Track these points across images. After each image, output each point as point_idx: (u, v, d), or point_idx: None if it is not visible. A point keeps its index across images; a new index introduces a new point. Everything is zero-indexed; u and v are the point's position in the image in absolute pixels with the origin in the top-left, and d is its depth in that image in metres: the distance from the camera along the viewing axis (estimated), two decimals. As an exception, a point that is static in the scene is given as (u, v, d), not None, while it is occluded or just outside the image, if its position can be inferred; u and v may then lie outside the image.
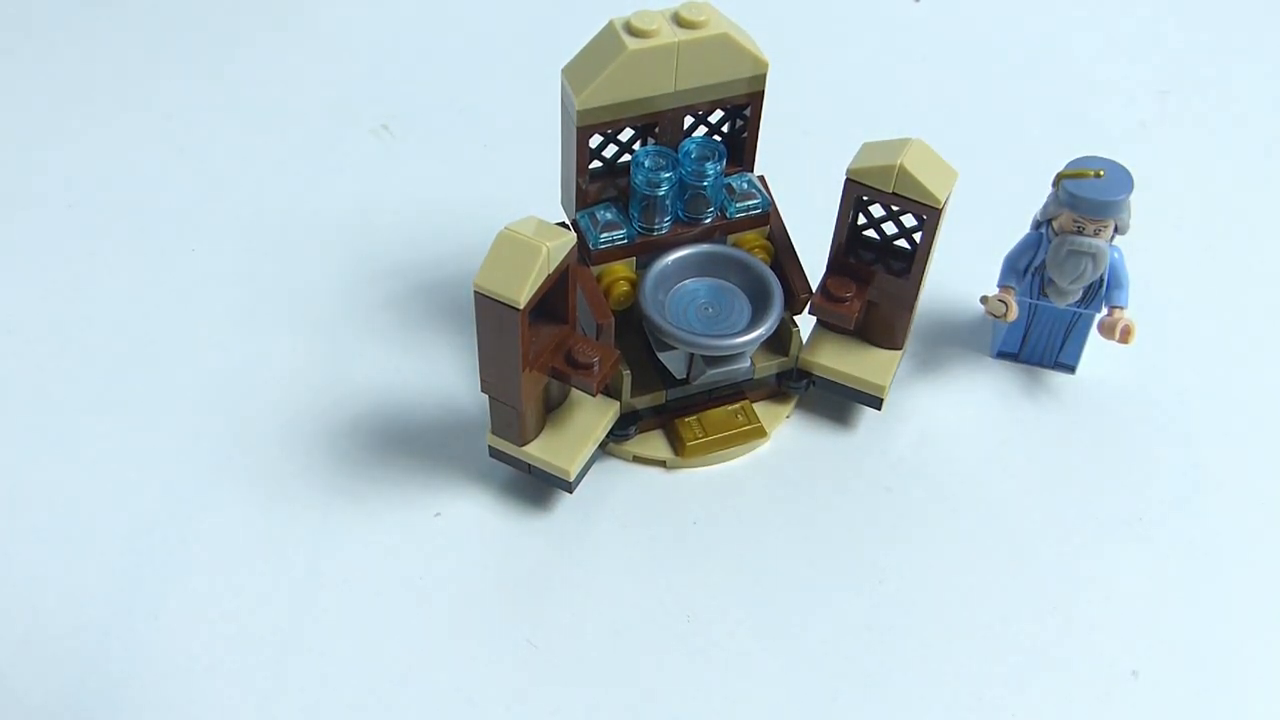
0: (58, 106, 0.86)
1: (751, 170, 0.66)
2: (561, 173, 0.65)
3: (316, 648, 0.59)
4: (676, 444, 0.66)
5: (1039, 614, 0.61)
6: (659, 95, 0.61)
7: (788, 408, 0.69)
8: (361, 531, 0.63)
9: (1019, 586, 0.62)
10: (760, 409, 0.68)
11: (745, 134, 0.65)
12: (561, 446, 0.62)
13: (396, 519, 0.64)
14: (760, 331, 0.62)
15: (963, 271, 0.73)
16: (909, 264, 0.64)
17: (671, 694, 0.58)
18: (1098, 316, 0.68)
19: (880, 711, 0.58)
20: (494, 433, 0.62)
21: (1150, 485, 0.66)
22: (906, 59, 0.93)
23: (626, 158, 0.65)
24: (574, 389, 0.63)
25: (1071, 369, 0.71)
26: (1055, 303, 0.68)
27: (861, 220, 0.65)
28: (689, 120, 0.64)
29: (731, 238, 0.66)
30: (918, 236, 0.63)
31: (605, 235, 0.63)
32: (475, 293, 0.55)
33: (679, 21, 0.59)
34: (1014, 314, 0.67)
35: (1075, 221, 0.64)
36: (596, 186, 0.64)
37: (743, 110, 0.64)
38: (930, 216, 0.61)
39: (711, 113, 0.64)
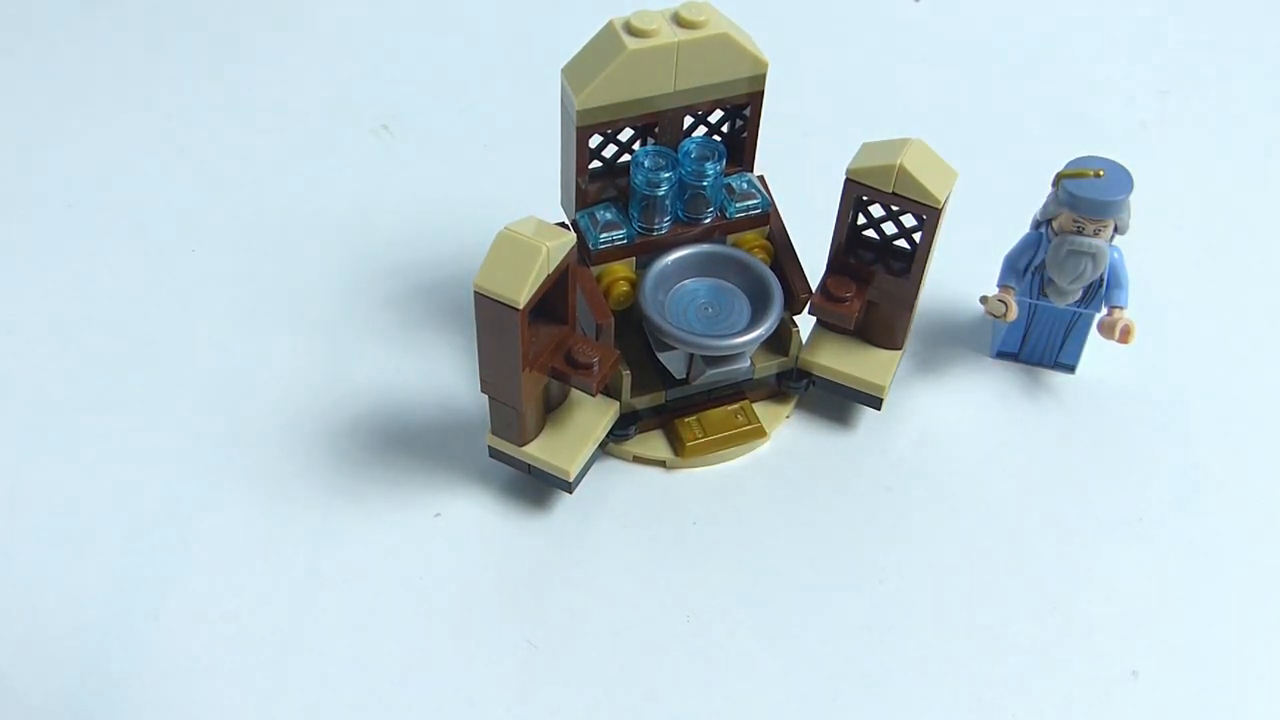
0: (58, 106, 0.86)
1: (751, 170, 0.66)
2: (561, 173, 0.65)
3: (316, 648, 0.59)
4: (676, 444, 0.66)
5: (1039, 614, 0.61)
6: (659, 95, 0.61)
7: (788, 408, 0.69)
8: (361, 531, 0.63)
9: (1019, 586, 0.62)
10: (760, 409, 0.68)
11: (745, 134, 0.65)
12: (561, 446, 0.62)
13: (396, 519, 0.64)
14: (760, 331, 0.62)
15: (963, 271, 0.73)
16: (909, 264, 0.64)
17: (671, 694, 0.58)
18: (1098, 316, 0.68)
19: (880, 711, 0.58)
20: (494, 433, 0.62)
21: (1150, 485, 0.66)
22: (906, 59, 0.93)
23: (626, 158, 0.65)
24: (574, 389, 0.63)
25: (1071, 369, 0.71)
26: (1055, 303, 0.68)
27: (861, 220, 0.65)
28: (689, 120, 0.64)
29: (731, 238, 0.66)
30: (917, 236, 0.63)
31: (605, 235, 0.63)
32: (475, 293, 0.55)
33: (679, 21, 0.59)
34: (1014, 314, 0.67)
35: (1075, 221, 0.64)
36: (596, 186, 0.64)
37: (742, 110, 0.64)
38: (930, 216, 0.61)
39: (711, 113, 0.64)
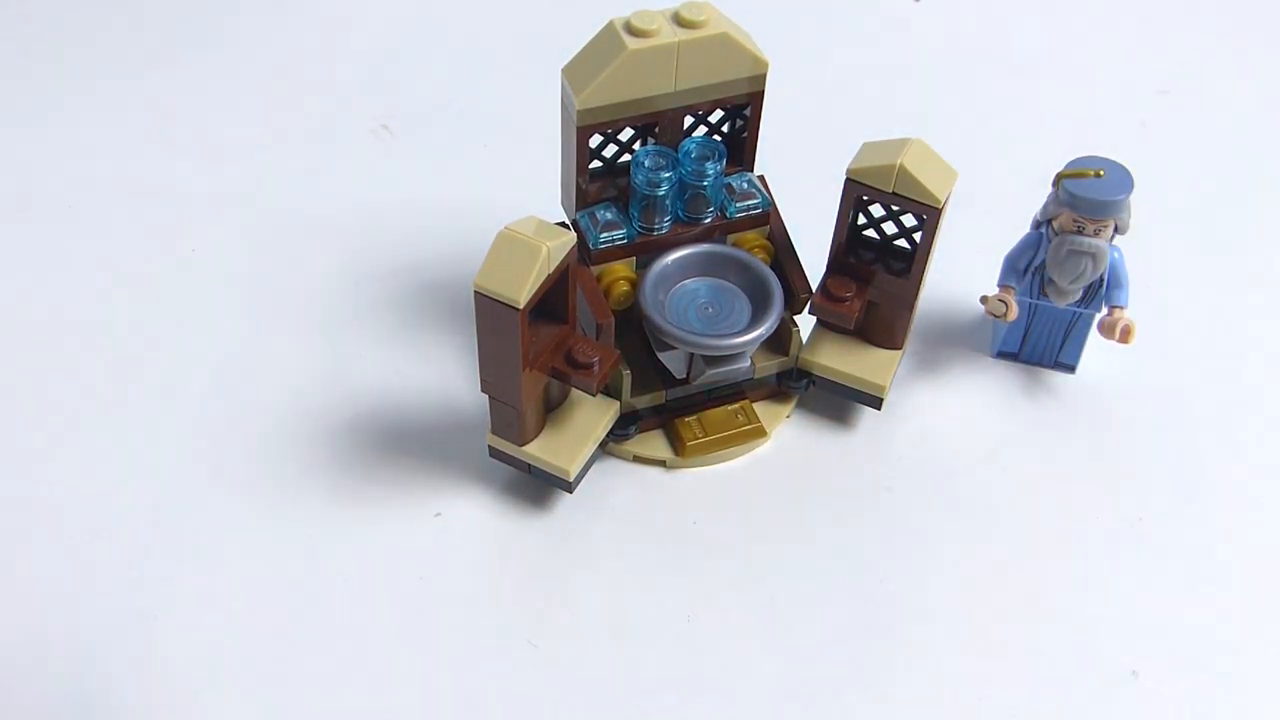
0: (58, 106, 0.86)
1: (751, 170, 0.66)
2: (561, 173, 0.65)
3: (316, 648, 0.59)
4: (676, 444, 0.66)
5: (1039, 614, 0.61)
6: (659, 95, 0.61)
7: (788, 408, 0.69)
8: (361, 531, 0.63)
9: (1019, 586, 0.62)
10: (760, 409, 0.68)
11: (745, 134, 0.65)
12: (561, 446, 0.62)
13: (396, 519, 0.64)
14: (760, 331, 0.62)
15: (963, 271, 0.73)
16: (909, 264, 0.64)
17: (671, 694, 0.58)
18: (1098, 316, 0.67)
19: (880, 711, 0.58)
20: (494, 433, 0.62)
21: (1150, 485, 0.66)
22: (906, 59, 0.93)
23: (626, 158, 0.65)
24: (574, 389, 0.63)
25: (1071, 369, 0.71)
26: (1055, 302, 0.68)
27: (861, 220, 0.65)
28: (689, 120, 0.64)
29: (731, 238, 0.66)
30: (918, 236, 0.63)
31: (605, 235, 0.63)
32: (475, 293, 0.55)
33: (679, 21, 0.59)
34: (1014, 314, 0.67)
35: (1075, 221, 0.64)
36: (596, 186, 0.64)
37: (743, 110, 0.64)
38: (930, 216, 0.61)
39: (711, 112, 0.64)
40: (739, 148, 0.65)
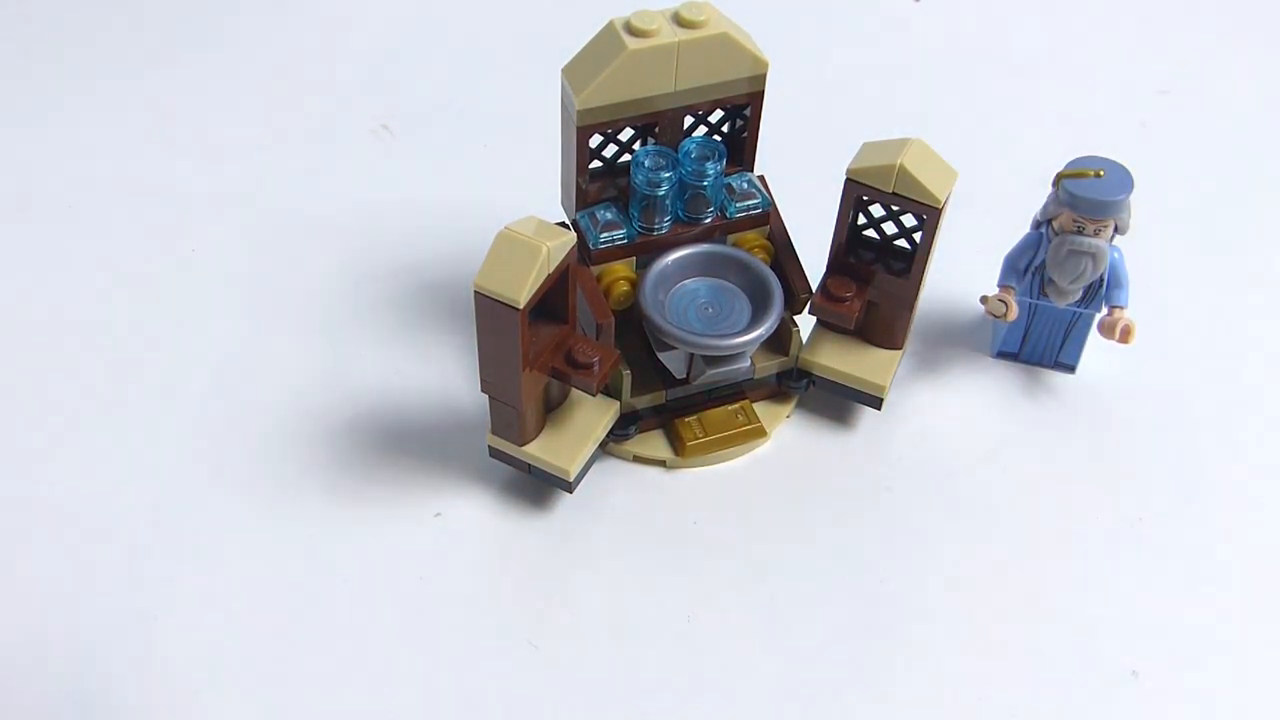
0: (58, 106, 0.86)
1: (751, 170, 0.66)
2: (561, 173, 0.65)
3: (316, 647, 0.59)
4: (676, 444, 0.66)
5: (1039, 614, 0.61)
6: (659, 95, 0.61)
7: (788, 408, 0.69)
8: (361, 531, 0.63)
9: (1019, 586, 0.62)
10: (760, 409, 0.68)
11: (745, 134, 0.65)
12: (561, 446, 0.62)
13: (396, 519, 0.64)
14: (760, 331, 0.62)
15: (963, 271, 0.73)
16: (909, 264, 0.64)
17: (671, 694, 0.58)
18: (1098, 316, 0.67)
19: (880, 711, 0.58)
20: (494, 433, 0.62)
21: (1150, 485, 0.66)
22: (907, 59, 0.93)
23: (626, 158, 0.65)
24: (574, 389, 0.63)
25: (1071, 369, 0.71)
26: (1055, 302, 0.68)
27: (861, 220, 0.65)
28: (689, 120, 0.64)
29: (731, 238, 0.66)
30: (918, 236, 0.63)
31: (605, 235, 0.63)
32: (475, 293, 0.55)
33: (679, 21, 0.59)
34: (1014, 314, 0.67)
35: (1075, 221, 0.64)
36: (596, 186, 0.64)
37: (743, 110, 0.64)
38: (930, 216, 0.61)
39: (711, 112, 0.64)
40: (739, 148, 0.65)
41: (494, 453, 0.63)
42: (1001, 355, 0.72)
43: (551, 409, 0.63)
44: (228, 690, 0.57)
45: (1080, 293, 0.67)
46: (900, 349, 0.67)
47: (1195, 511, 0.65)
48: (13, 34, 0.92)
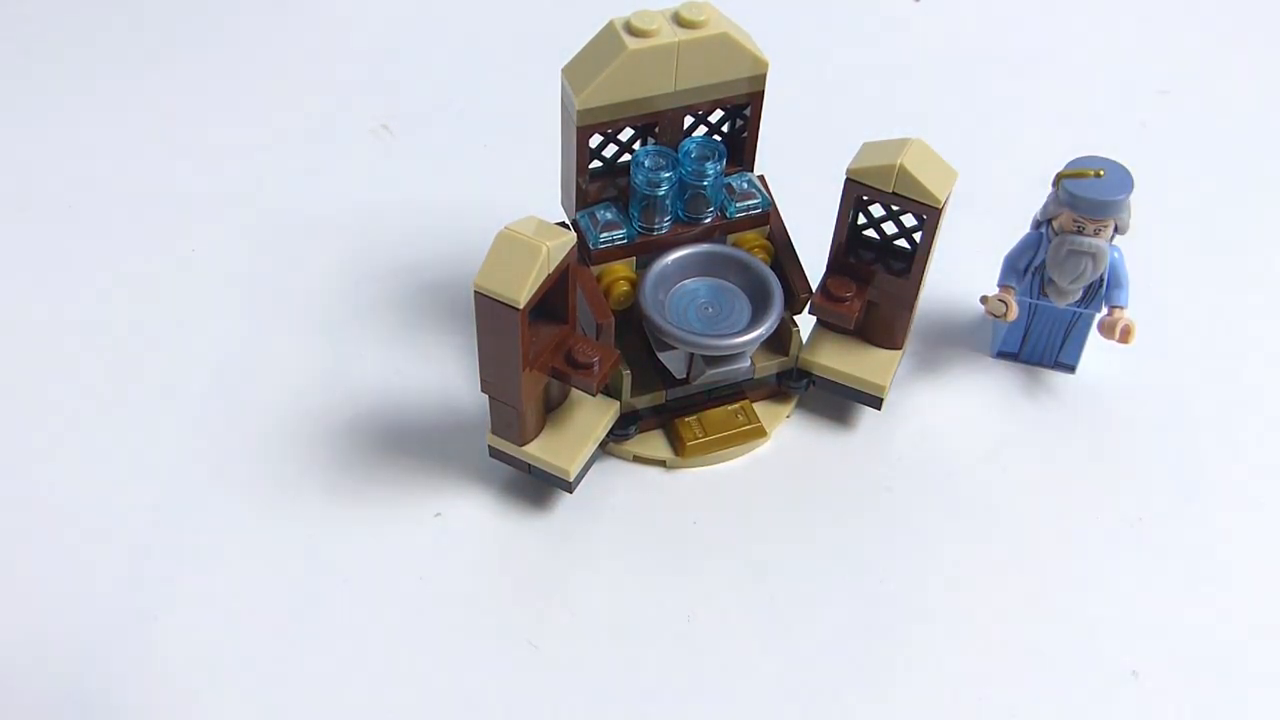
0: (58, 106, 0.86)
1: (751, 170, 0.66)
2: (561, 173, 0.65)
3: (316, 648, 0.59)
4: (676, 444, 0.66)
5: (1039, 614, 0.61)
6: (659, 95, 0.61)
7: (788, 408, 0.69)
8: (361, 531, 0.63)
9: (1019, 586, 0.62)
10: (760, 409, 0.68)
11: (745, 134, 0.65)
12: (561, 446, 0.62)
13: (396, 519, 0.64)
14: (760, 331, 0.62)
15: (963, 271, 0.73)
16: (909, 264, 0.64)
17: (671, 694, 0.58)
18: (1098, 316, 0.67)
19: (880, 711, 0.58)
20: (494, 433, 0.62)
21: (1150, 485, 0.66)
22: (907, 59, 0.93)
23: (626, 158, 0.65)
24: (574, 389, 0.63)
25: (1071, 369, 0.71)
26: (1055, 302, 0.68)
27: (861, 220, 0.65)
28: (689, 120, 0.64)
29: (731, 237, 0.66)
30: (918, 236, 0.63)
31: (605, 235, 0.63)
32: (475, 293, 0.55)
33: (679, 21, 0.59)
34: (1014, 314, 0.67)
35: (1075, 221, 0.64)
36: (596, 186, 0.64)
37: (743, 110, 0.64)
38: (930, 216, 0.61)
39: (711, 112, 0.64)
40: (739, 148, 0.65)
41: (494, 453, 0.63)
42: (1001, 355, 0.72)
43: (551, 409, 0.63)
44: (228, 690, 0.57)
45: (1080, 293, 0.67)
46: (900, 349, 0.67)
47: (1195, 511, 0.65)
48: (13, 34, 0.92)
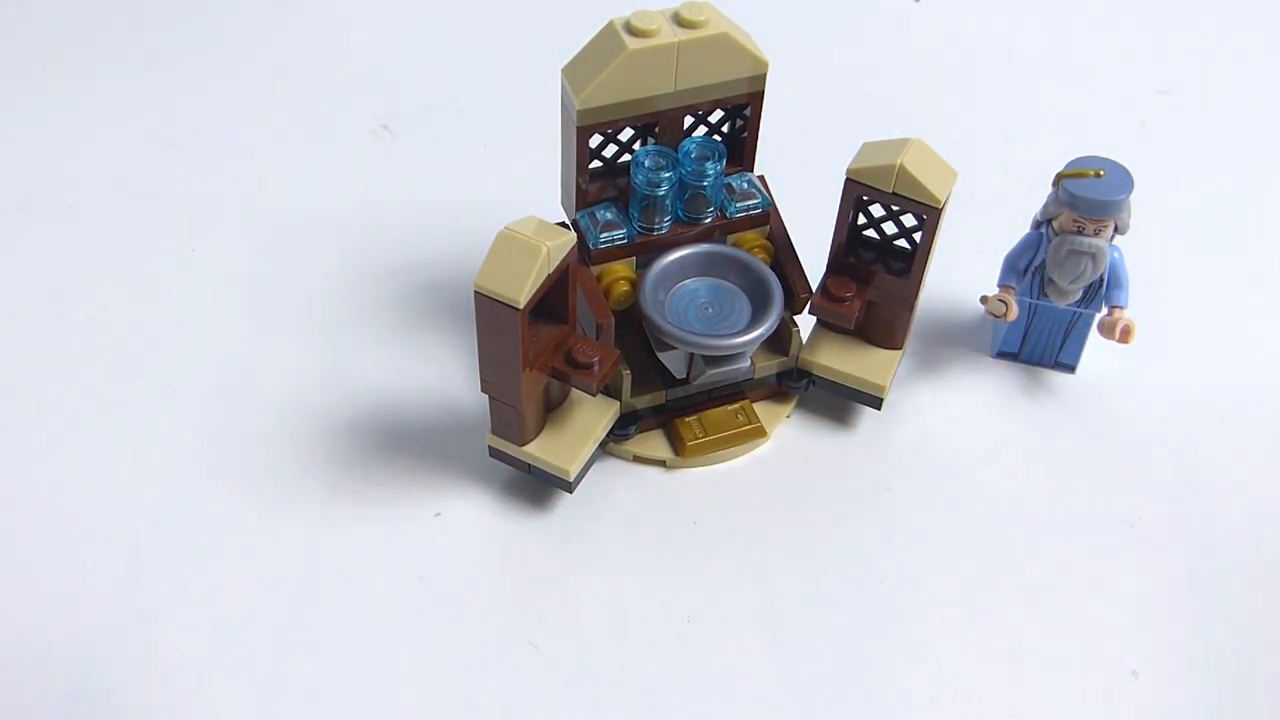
0: (58, 106, 0.86)
1: (751, 170, 0.66)
2: (561, 173, 0.65)
3: (316, 648, 0.59)
4: (676, 444, 0.66)
5: (1039, 614, 0.61)
6: (659, 95, 0.61)
7: (788, 408, 0.69)
8: (361, 531, 0.63)
9: (1019, 587, 0.62)
10: (760, 409, 0.68)
11: (745, 134, 0.65)
12: (561, 446, 0.62)
13: (396, 519, 0.64)
14: (760, 331, 0.62)
15: (963, 271, 0.73)
16: (909, 264, 0.64)
17: (671, 694, 0.58)
18: (1098, 316, 0.68)
19: (880, 711, 0.58)
20: (494, 433, 0.62)
21: (1150, 485, 0.66)
22: (907, 59, 0.93)
23: (626, 158, 0.65)
24: (574, 389, 0.63)
25: (1071, 369, 0.71)
26: (1055, 302, 0.68)
27: (861, 220, 0.65)
28: (689, 120, 0.64)
29: (731, 238, 0.66)
30: (918, 236, 0.63)
31: (605, 235, 0.63)
32: (475, 293, 0.55)
33: (679, 21, 0.59)
34: (1014, 314, 0.67)
35: (1075, 221, 0.64)
36: (596, 186, 0.64)
37: (743, 110, 0.64)
38: (930, 216, 0.61)
39: (711, 112, 0.64)
40: (739, 148, 0.65)
41: (494, 453, 0.63)
42: (1001, 355, 0.72)
43: (551, 409, 0.63)
44: (228, 690, 0.57)
45: (1080, 293, 0.67)
46: (900, 349, 0.67)
47: (1195, 511, 0.65)
48: (13, 34, 0.92)
